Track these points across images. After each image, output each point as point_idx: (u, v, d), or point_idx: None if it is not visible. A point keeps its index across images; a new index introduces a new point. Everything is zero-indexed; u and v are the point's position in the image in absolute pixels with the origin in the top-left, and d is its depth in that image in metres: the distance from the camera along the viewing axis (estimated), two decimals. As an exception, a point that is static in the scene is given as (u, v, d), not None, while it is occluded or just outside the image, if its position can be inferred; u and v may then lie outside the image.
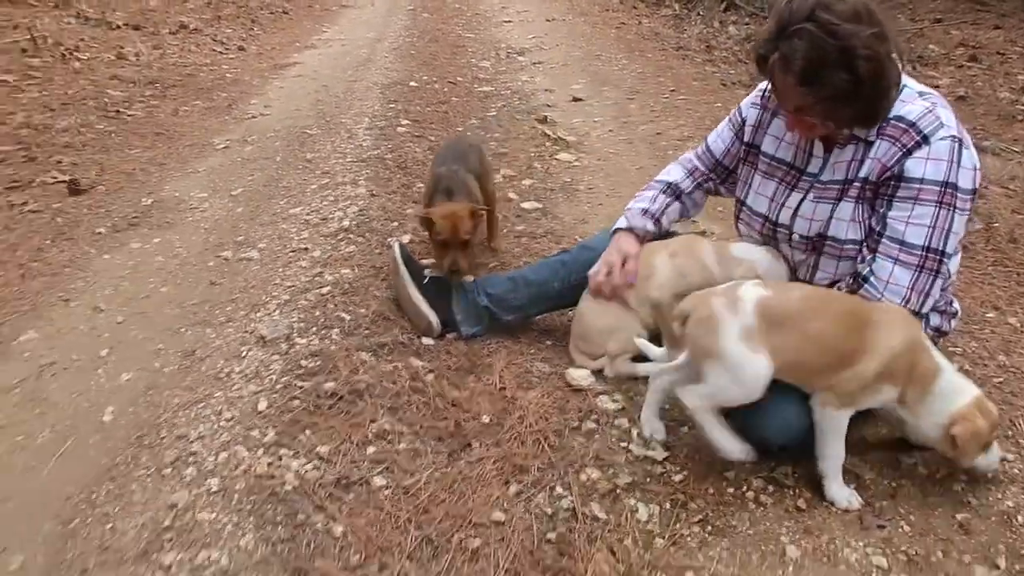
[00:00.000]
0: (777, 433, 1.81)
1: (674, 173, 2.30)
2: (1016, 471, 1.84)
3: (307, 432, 1.94)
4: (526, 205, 3.50)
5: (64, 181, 3.80)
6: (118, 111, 5.09)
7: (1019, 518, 1.70)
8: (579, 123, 4.85)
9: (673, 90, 5.60)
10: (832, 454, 1.76)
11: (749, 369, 1.69)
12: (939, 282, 1.83)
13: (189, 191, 3.73)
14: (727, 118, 2.19)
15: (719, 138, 2.20)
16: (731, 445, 1.76)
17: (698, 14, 8.87)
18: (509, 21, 9.06)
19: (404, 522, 1.67)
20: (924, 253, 1.79)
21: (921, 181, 1.75)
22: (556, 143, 4.42)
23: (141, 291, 2.78)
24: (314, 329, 2.40)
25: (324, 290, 2.63)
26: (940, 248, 1.78)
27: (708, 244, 2.17)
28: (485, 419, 2.03)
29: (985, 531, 1.68)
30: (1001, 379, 2.16)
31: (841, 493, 1.77)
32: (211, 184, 3.83)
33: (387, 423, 1.97)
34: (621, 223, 2.26)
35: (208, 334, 2.45)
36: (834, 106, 1.74)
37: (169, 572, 1.55)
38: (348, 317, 2.46)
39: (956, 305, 2.07)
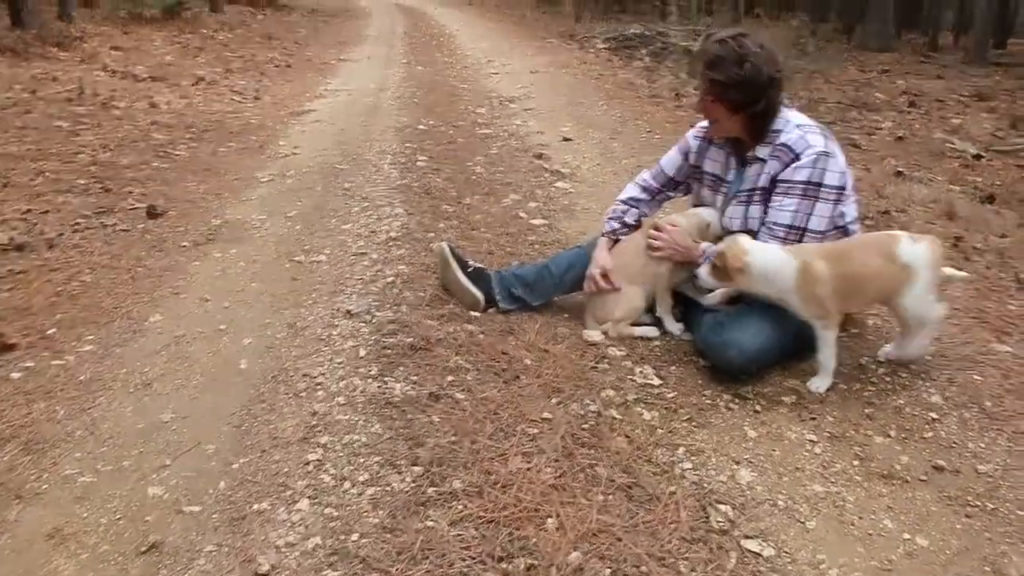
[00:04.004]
0: (738, 358, 2.56)
1: (630, 191, 3.12)
2: (907, 383, 2.60)
3: (400, 368, 2.65)
4: (534, 222, 4.27)
5: (141, 207, 4.50)
6: (166, 152, 5.83)
7: (906, 409, 2.46)
8: (570, 159, 5.66)
9: (649, 131, 6.48)
10: None
11: None
12: None
13: (249, 214, 4.45)
14: (676, 145, 3.04)
15: (671, 161, 3.04)
16: None
17: (666, 66, 9.88)
18: (496, 73, 9.99)
19: (481, 419, 2.38)
20: (788, 229, 2.62)
21: (790, 181, 2.59)
22: (553, 174, 5.22)
23: (235, 286, 3.47)
24: (388, 305, 3.12)
25: (388, 280, 3.36)
26: (801, 226, 2.62)
27: (681, 218, 2.95)
28: (527, 362, 2.75)
29: (883, 418, 2.43)
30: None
31: None
32: (266, 209, 4.54)
33: (457, 362, 2.68)
34: (604, 228, 3.09)
35: (303, 313, 3.15)
36: (724, 90, 2.60)
37: (327, 448, 2.24)
38: (412, 297, 3.18)
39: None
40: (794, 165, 2.59)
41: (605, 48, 12.22)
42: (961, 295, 3.20)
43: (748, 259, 2.48)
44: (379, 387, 2.53)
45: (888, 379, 2.63)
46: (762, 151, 2.69)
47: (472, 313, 3.09)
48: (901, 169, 5.85)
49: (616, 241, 3.04)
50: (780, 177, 2.62)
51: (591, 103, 7.79)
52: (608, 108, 7.53)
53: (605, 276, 2.94)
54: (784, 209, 2.62)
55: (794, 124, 2.65)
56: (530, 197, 4.72)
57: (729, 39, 2.63)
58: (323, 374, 2.65)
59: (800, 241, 2.63)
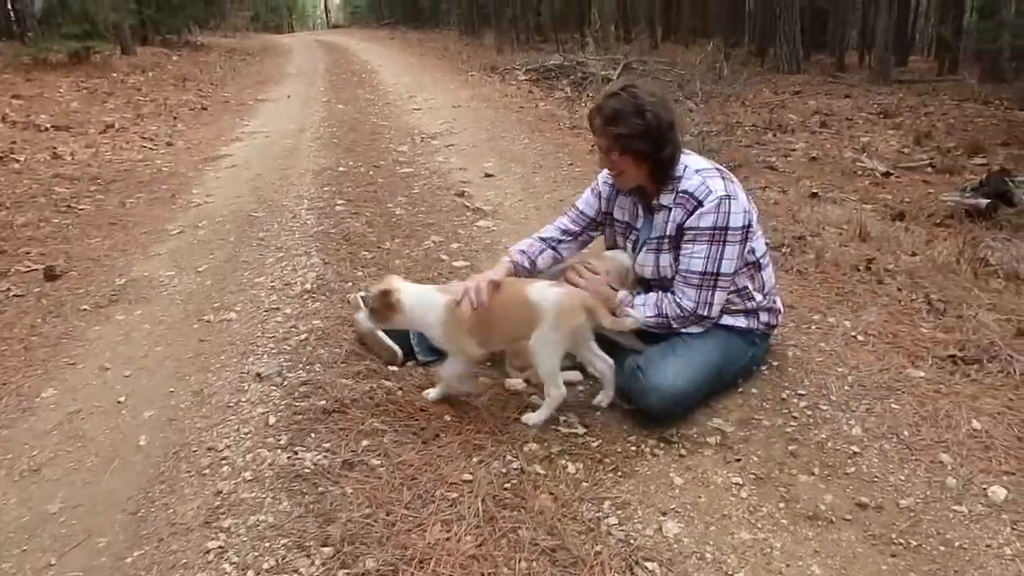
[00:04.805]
0: (660, 403, 2.52)
1: (550, 231, 2.99)
2: (828, 415, 2.59)
3: (313, 435, 2.51)
4: (456, 264, 4.19)
5: (38, 269, 4.25)
6: (69, 206, 5.55)
7: (829, 444, 2.45)
8: (492, 195, 5.61)
9: (571, 163, 6.48)
10: None
11: None
12: (719, 293, 2.65)
13: (157, 271, 4.24)
14: (590, 187, 2.97)
15: (587, 204, 2.96)
16: None
17: (588, 95, 9.98)
18: (418, 109, 9.94)
19: (398, 485, 2.26)
20: (702, 276, 2.60)
21: (697, 229, 2.58)
22: (475, 212, 5.16)
23: (138, 352, 3.27)
24: (301, 365, 2.98)
25: (302, 337, 3.21)
26: (715, 271, 2.60)
27: (600, 264, 2.90)
28: (447, 418, 2.64)
29: (806, 455, 2.41)
30: (820, 359, 2.95)
31: None
32: (175, 264, 4.34)
33: (373, 425, 2.56)
34: (504, 257, 2.90)
35: (210, 378, 2.98)
36: (630, 142, 2.56)
37: (230, 532, 2.08)
38: (327, 355, 3.04)
39: (779, 305, 2.86)
40: (699, 212, 2.57)
41: (526, 80, 12.32)
42: (875, 320, 3.24)
43: (399, 296, 2.60)
44: (289, 458, 2.39)
45: (809, 412, 2.62)
46: (666, 199, 2.67)
47: (390, 368, 2.97)
48: (816, 190, 6.00)
49: (515, 273, 2.84)
50: (687, 225, 2.60)
51: (513, 137, 7.79)
52: (530, 141, 7.53)
53: (493, 286, 2.60)
54: (696, 256, 2.60)
55: (694, 169, 2.63)
56: (452, 238, 4.64)
57: (621, 92, 2.61)
58: (229, 447, 2.49)
59: (715, 286, 2.62)
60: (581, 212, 2.99)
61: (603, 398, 2.73)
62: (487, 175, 6.19)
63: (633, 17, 23.09)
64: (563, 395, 2.59)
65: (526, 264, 2.89)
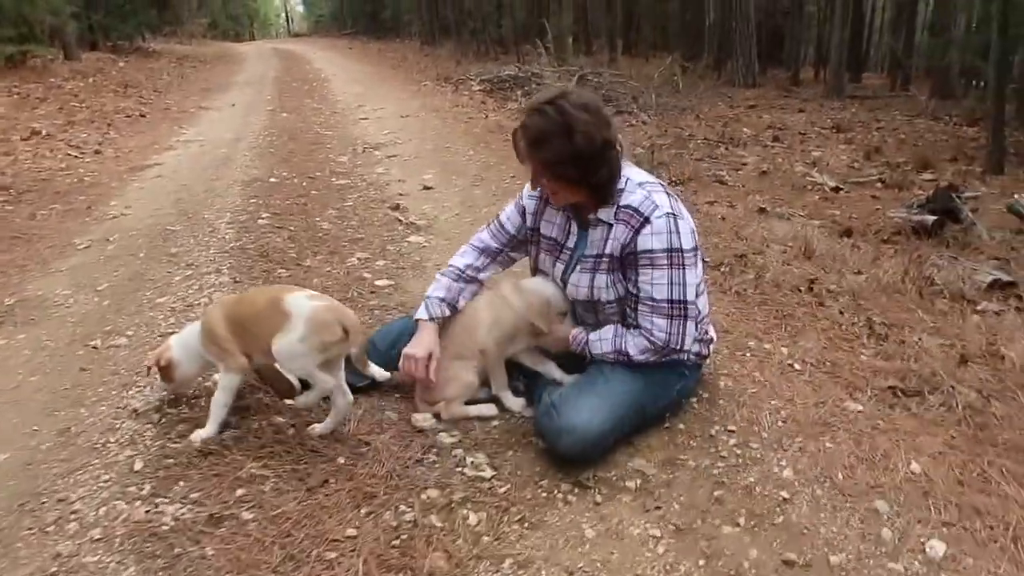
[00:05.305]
0: (575, 445, 2.27)
1: (468, 256, 2.73)
2: (759, 455, 2.37)
3: (181, 483, 2.21)
4: (379, 283, 3.91)
5: (-81, 287, 3.87)
6: (-30, 218, 5.15)
7: (757, 488, 2.22)
8: (429, 209, 5.35)
9: (513, 176, 6.25)
10: None
11: None
12: (690, 323, 2.40)
13: (53, 289, 3.89)
14: (513, 202, 2.71)
15: (510, 220, 2.71)
16: None
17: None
18: (365, 118, 9.65)
19: (269, 544, 1.98)
20: (669, 304, 2.35)
21: (651, 251, 2.33)
22: (408, 227, 4.89)
23: (10, 382, 2.93)
24: (184, 400, 2.68)
25: (192, 366, 2.90)
26: (681, 298, 2.35)
27: (508, 288, 2.65)
28: (340, 460, 2.36)
29: (732, 501, 2.18)
30: (754, 390, 2.74)
31: None
32: (75, 282, 3.99)
33: (253, 469, 2.27)
34: (422, 313, 2.63)
35: (82, 413, 2.66)
36: (556, 169, 2.31)
37: (59, 606, 1.79)
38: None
39: (712, 333, 2.65)
40: (649, 232, 2.31)
41: (480, 90, 12.12)
42: (813, 346, 3.05)
43: (169, 355, 2.53)
44: (147, 512, 2.09)
45: (739, 452, 2.40)
46: (605, 213, 2.41)
47: (285, 402, 2.68)
48: (764, 206, 5.85)
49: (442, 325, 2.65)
50: (638, 248, 2.34)
51: (458, 148, 7.55)
52: (475, 153, 7.30)
53: (428, 362, 2.53)
54: (657, 283, 2.34)
55: (636, 183, 2.39)
56: (379, 255, 4.37)
57: (548, 107, 2.29)
58: (83, 498, 2.18)
59: (685, 315, 2.37)
60: (501, 226, 2.74)
61: (320, 428, 2.51)
62: (426, 187, 5.94)
63: (594, 31, 23.08)
64: (329, 390, 2.41)
65: (447, 313, 2.65)
